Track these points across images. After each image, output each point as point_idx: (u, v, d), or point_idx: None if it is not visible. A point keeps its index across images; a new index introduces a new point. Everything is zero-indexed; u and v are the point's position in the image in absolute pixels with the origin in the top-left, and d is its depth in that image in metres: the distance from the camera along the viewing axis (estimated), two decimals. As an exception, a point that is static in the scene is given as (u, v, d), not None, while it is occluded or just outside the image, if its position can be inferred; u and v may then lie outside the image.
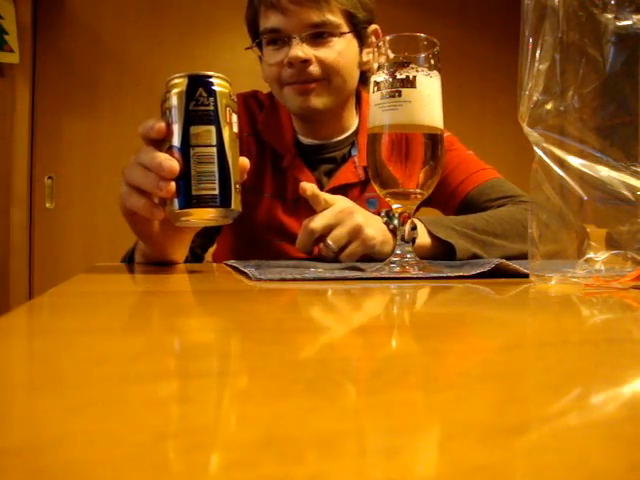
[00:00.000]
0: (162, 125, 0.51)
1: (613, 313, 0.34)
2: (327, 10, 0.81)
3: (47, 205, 2.17)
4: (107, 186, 2.11)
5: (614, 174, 0.44)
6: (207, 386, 0.16)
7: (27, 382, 0.17)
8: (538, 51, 0.45)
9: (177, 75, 0.51)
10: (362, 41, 0.88)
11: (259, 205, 0.92)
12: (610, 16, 0.44)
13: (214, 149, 0.50)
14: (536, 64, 0.45)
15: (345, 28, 0.84)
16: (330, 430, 0.12)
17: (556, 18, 0.45)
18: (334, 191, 0.91)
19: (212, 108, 0.50)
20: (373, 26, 0.89)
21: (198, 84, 0.50)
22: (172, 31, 2.29)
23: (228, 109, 0.51)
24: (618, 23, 0.44)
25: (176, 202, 0.51)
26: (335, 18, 0.83)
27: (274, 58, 0.85)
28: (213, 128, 0.50)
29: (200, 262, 0.94)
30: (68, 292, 0.40)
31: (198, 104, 0.50)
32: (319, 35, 0.82)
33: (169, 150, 0.51)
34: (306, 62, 0.82)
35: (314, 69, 0.83)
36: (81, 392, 0.15)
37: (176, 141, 0.50)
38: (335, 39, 0.83)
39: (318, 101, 0.86)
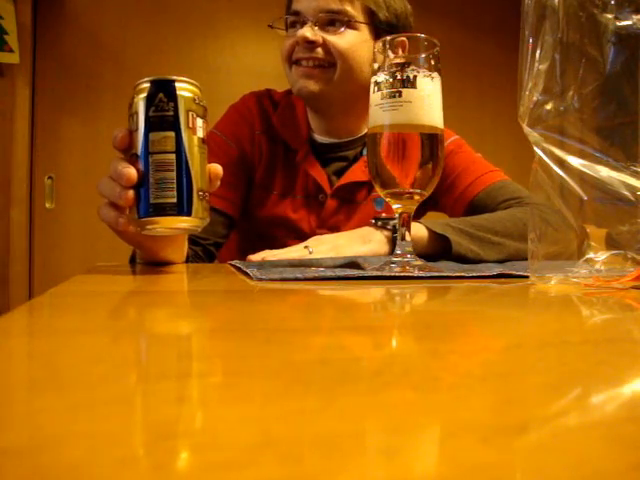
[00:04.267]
0: (124, 134, 0.51)
1: (613, 313, 0.34)
2: (347, 1, 0.83)
3: (47, 205, 2.17)
4: (107, 186, 2.11)
5: (614, 174, 0.44)
6: (207, 386, 0.16)
7: (27, 382, 0.17)
8: (538, 51, 0.45)
9: (143, 80, 0.51)
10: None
11: (266, 203, 0.93)
12: (610, 16, 0.44)
13: (173, 156, 0.49)
14: (536, 64, 0.45)
15: (361, 21, 0.86)
16: (330, 430, 0.12)
17: (556, 18, 0.45)
18: (342, 189, 0.92)
19: (172, 113, 0.49)
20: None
21: (159, 89, 0.49)
22: (172, 31, 2.29)
23: (191, 114, 0.50)
24: (618, 23, 0.44)
25: (137, 211, 0.50)
26: (353, 11, 0.84)
27: (288, 37, 0.88)
28: (173, 134, 0.49)
29: (212, 259, 0.94)
30: (68, 292, 0.40)
31: (157, 110, 0.49)
32: (332, 22, 0.84)
33: (132, 158, 0.50)
34: (313, 43, 0.84)
35: (320, 51, 0.85)
36: (81, 392, 0.15)
37: (138, 149, 0.49)
38: (349, 30, 0.85)
39: (316, 86, 0.87)
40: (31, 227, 2.14)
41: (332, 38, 0.84)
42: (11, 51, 2.02)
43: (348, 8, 0.84)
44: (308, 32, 0.84)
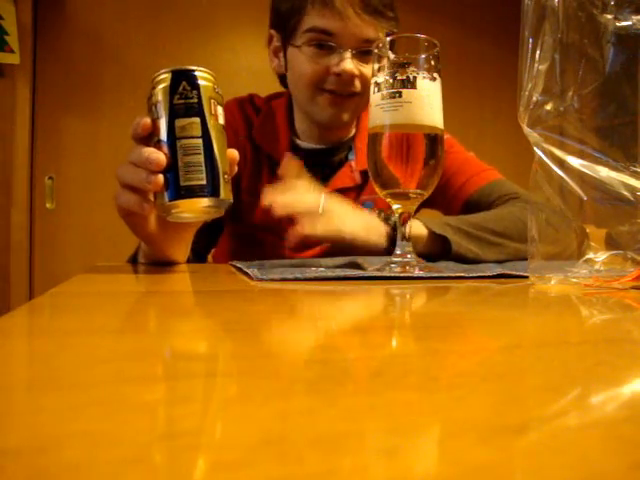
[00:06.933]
0: (147, 121, 0.51)
1: (613, 313, 0.34)
2: (380, 28, 0.83)
3: (47, 205, 2.17)
4: (107, 186, 2.10)
5: (614, 174, 0.44)
6: (207, 386, 0.16)
7: (27, 382, 0.17)
8: (538, 51, 0.45)
9: (162, 71, 0.52)
10: None
11: (254, 207, 0.92)
12: (610, 16, 0.44)
13: (200, 140, 0.50)
14: (536, 64, 0.45)
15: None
16: (330, 430, 0.12)
17: (556, 18, 0.45)
18: None
19: (196, 101, 0.51)
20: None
21: (181, 78, 0.51)
22: (172, 31, 2.29)
23: (212, 101, 0.52)
24: (618, 23, 0.44)
25: (166, 195, 0.51)
26: (381, 36, 0.83)
27: (319, 62, 0.83)
28: (198, 120, 0.51)
29: (203, 262, 0.94)
30: (68, 292, 0.40)
31: (182, 97, 0.50)
32: (368, 52, 0.82)
33: (157, 144, 0.51)
34: (354, 76, 0.83)
35: (357, 84, 0.84)
36: (81, 392, 0.15)
37: (163, 135, 0.51)
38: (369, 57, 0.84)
39: (346, 115, 0.88)
40: (31, 227, 2.14)
41: (364, 69, 0.83)
42: (11, 51, 2.02)
43: (380, 35, 0.83)
44: (352, 65, 0.82)
